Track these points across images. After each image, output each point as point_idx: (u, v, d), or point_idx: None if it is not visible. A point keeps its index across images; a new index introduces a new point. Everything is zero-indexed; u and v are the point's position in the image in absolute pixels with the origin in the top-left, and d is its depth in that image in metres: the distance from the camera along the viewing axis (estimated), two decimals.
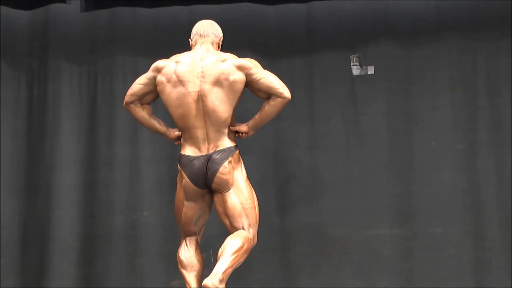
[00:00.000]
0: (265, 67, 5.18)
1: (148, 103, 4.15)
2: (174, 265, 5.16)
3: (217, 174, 4.00)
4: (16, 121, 5.49)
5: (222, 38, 4.20)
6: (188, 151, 4.04)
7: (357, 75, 5.27)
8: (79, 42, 5.51)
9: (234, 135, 4.11)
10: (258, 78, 4.03)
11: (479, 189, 5.07)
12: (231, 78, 4.00)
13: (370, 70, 5.26)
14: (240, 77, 4.02)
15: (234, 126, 4.10)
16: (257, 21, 5.35)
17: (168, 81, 4.00)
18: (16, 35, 5.55)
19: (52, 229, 5.34)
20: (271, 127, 5.22)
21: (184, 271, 4.13)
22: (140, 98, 4.10)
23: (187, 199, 4.10)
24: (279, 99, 4.02)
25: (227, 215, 4.05)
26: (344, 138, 5.22)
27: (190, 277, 4.11)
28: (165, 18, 5.39)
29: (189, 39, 4.17)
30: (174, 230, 5.20)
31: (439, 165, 5.12)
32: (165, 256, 5.23)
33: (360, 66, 5.26)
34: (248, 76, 4.03)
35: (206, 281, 3.74)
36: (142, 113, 4.14)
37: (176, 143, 4.18)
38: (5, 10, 5.51)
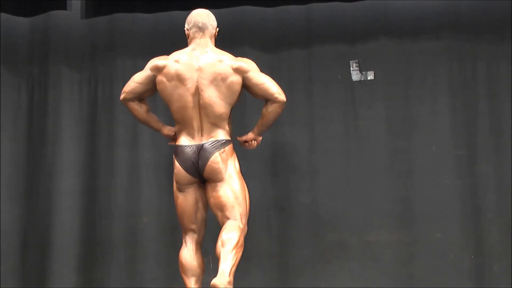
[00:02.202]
0: (264, 69, 5.23)
1: (145, 98, 4.28)
2: (174, 270, 5.17)
3: (208, 163, 4.09)
4: (16, 128, 5.50)
5: (218, 29, 4.33)
6: (183, 141, 4.14)
7: (356, 81, 5.26)
8: (79, 49, 5.53)
9: (230, 130, 4.22)
10: (256, 83, 4.17)
11: (480, 195, 5.04)
12: (229, 80, 4.14)
13: (370, 76, 5.25)
14: (237, 79, 4.15)
15: (230, 124, 4.22)
16: (256, 24, 5.35)
17: (169, 80, 4.12)
18: (16, 42, 5.57)
19: (52, 235, 5.34)
20: (270, 131, 5.21)
21: (184, 276, 4.15)
22: (138, 96, 4.22)
23: (181, 189, 4.16)
24: (276, 104, 4.17)
25: (220, 205, 4.12)
26: (344, 143, 5.21)
27: (191, 282, 4.12)
28: (165, 23, 5.40)
29: (185, 28, 4.26)
30: (173, 236, 5.20)
31: (439, 170, 5.09)
32: (165, 262, 5.22)
33: (360, 71, 5.25)
34: (245, 80, 4.17)
35: (215, 281, 3.76)
36: (140, 110, 4.27)
37: (169, 143, 4.31)
38: (6, 17, 5.53)
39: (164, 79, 4.13)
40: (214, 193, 4.13)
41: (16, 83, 5.54)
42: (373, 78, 5.25)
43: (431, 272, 5.02)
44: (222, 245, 3.94)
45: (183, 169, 4.11)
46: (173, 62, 4.14)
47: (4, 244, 5.36)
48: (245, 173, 4.95)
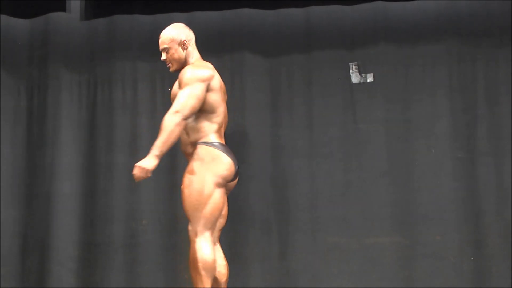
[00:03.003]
0: (264, 72, 5.26)
1: None
2: (172, 272, 5.18)
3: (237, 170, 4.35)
4: (16, 130, 5.49)
5: None
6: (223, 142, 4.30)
7: (356, 83, 5.25)
8: (78, 51, 5.52)
9: None
10: None
11: (479, 197, 5.04)
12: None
13: (370, 78, 5.24)
14: None
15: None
16: (256, 27, 5.34)
17: (220, 86, 4.31)
18: (16, 44, 5.56)
19: (52, 238, 5.33)
20: (269, 134, 5.22)
21: (205, 275, 4.11)
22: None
23: (223, 186, 4.22)
24: None
25: (224, 219, 4.37)
26: (343, 146, 5.20)
27: (209, 282, 4.12)
28: (164, 24, 5.34)
29: (183, 39, 4.35)
30: (172, 238, 5.21)
31: (438, 173, 5.09)
32: (164, 264, 5.22)
33: (360, 73, 5.25)
34: None
35: None
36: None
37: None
38: (5, 19, 5.52)
39: (217, 84, 4.26)
40: (227, 204, 4.36)
41: (16, 86, 5.53)
42: (372, 80, 5.24)
43: (430, 275, 5.01)
44: (225, 272, 4.32)
45: (235, 166, 4.23)
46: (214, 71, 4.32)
47: (3, 246, 5.36)
48: (245, 176, 4.96)
